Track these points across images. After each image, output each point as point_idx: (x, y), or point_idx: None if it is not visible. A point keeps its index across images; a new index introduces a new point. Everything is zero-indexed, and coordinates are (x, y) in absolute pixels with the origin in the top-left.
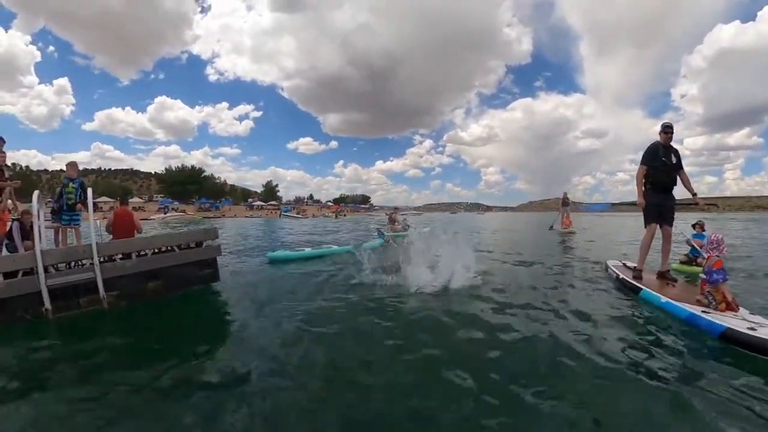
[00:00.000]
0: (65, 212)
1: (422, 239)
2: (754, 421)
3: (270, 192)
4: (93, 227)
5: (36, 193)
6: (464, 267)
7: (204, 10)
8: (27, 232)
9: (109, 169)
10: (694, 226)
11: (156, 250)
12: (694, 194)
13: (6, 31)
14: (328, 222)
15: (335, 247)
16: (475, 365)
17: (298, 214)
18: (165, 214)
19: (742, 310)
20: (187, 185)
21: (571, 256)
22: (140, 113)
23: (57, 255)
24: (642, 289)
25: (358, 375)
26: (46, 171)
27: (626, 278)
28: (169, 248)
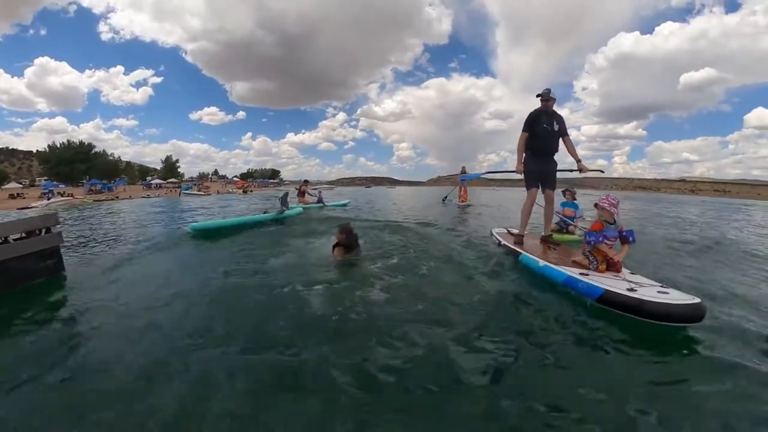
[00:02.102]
0: None
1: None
2: (627, 390)
3: (170, 168)
4: None
5: None
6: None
7: None
8: None
9: None
10: (564, 193)
11: None
12: (579, 160)
13: None
14: (234, 199)
15: (258, 215)
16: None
17: (200, 191)
18: (48, 200)
19: (624, 270)
20: (75, 164)
21: (462, 226)
22: (16, 77)
23: None
24: (521, 253)
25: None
26: None
27: (508, 244)
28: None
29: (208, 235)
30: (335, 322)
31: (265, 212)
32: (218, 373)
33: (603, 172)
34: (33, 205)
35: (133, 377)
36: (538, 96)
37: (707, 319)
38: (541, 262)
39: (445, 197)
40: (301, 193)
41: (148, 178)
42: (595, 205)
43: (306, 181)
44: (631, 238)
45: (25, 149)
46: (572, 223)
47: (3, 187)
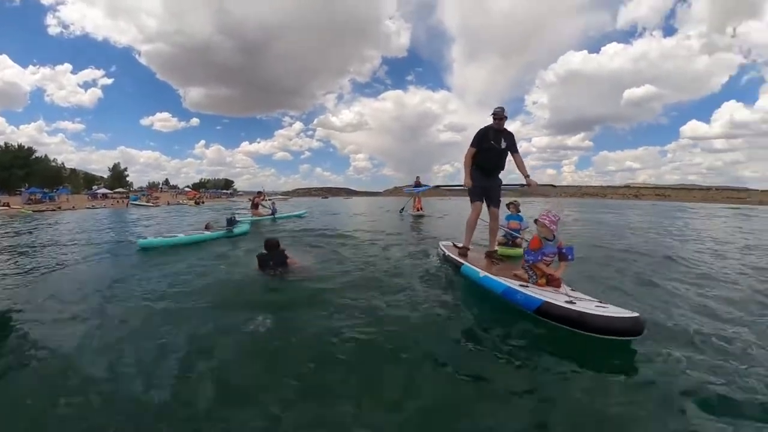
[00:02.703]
0: None
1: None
2: (558, 402)
3: (118, 177)
4: None
5: None
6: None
7: None
8: None
9: None
10: (508, 206)
11: None
12: (527, 176)
13: None
14: (186, 211)
15: (208, 233)
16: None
17: (148, 202)
18: None
19: (564, 286)
20: (12, 170)
21: (412, 237)
22: None
23: None
24: (463, 264)
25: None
26: None
27: (452, 255)
28: None
29: (156, 251)
30: (247, 343)
31: (206, 225)
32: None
33: (555, 186)
34: None
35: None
36: (492, 114)
37: (646, 333)
38: (482, 273)
39: (402, 208)
40: (255, 205)
41: (94, 187)
42: (536, 221)
43: (260, 192)
44: (570, 256)
45: None
46: (518, 235)
47: None
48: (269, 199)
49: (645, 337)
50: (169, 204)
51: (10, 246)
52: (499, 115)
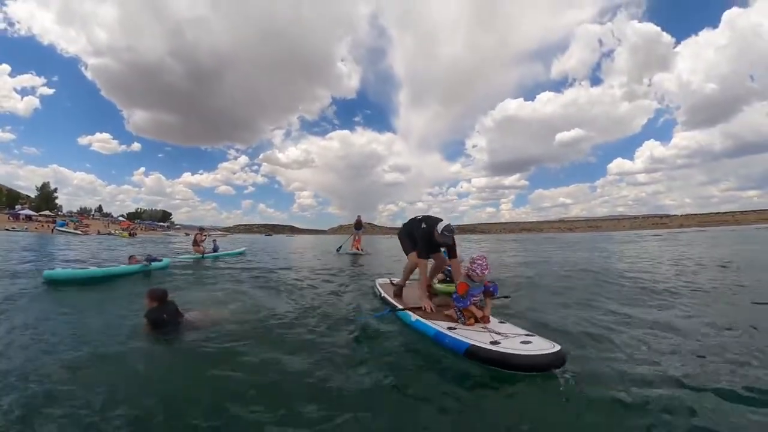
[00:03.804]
0: None
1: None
2: None
3: (46, 198)
4: None
5: None
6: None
7: None
8: None
9: None
10: None
11: None
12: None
13: None
14: (117, 243)
15: (122, 267)
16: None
17: (77, 229)
18: None
19: (493, 320)
20: None
21: (349, 275)
22: None
23: None
24: (397, 307)
25: None
26: None
27: (387, 296)
28: None
29: (66, 284)
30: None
31: (130, 257)
32: None
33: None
34: None
35: None
36: (443, 231)
37: (568, 363)
38: (413, 317)
39: (340, 247)
40: (196, 242)
41: (18, 206)
42: (471, 262)
43: (201, 229)
44: (495, 293)
45: None
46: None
47: None
48: (209, 235)
49: (569, 363)
50: (99, 233)
51: None
52: (450, 237)
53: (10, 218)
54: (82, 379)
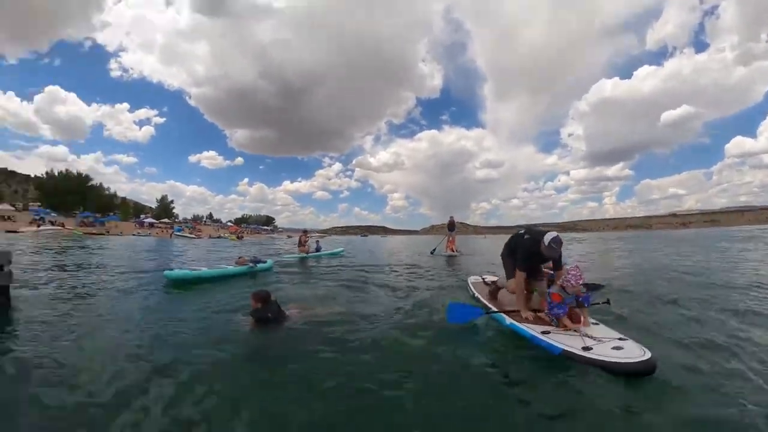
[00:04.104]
0: None
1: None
2: None
3: (165, 208)
4: None
5: None
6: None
7: None
8: None
9: None
10: None
11: None
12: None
13: None
14: (227, 245)
15: (231, 268)
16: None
17: (191, 234)
18: (38, 227)
19: (586, 323)
20: (70, 195)
21: (441, 276)
22: (25, 102)
23: None
24: (490, 308)
25: None
26: None
27: (480, 297)
28: None
29: (183, 283)
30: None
31: (238, 259)
32: None
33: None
34: (22, 230)
35: None
36: (551, 243)
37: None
38: (508, 320)
39: (434, 249)
40: (301, 243)
41: (142, 216)
42: (565, 272)
43: (305, 231)
44: (586, 304)
45: (24, 173)
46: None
47: None
48: (312, 236)
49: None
50: (210, 237)
51: (48, 262)
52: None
53: (137, 225)
54: (194, 366)
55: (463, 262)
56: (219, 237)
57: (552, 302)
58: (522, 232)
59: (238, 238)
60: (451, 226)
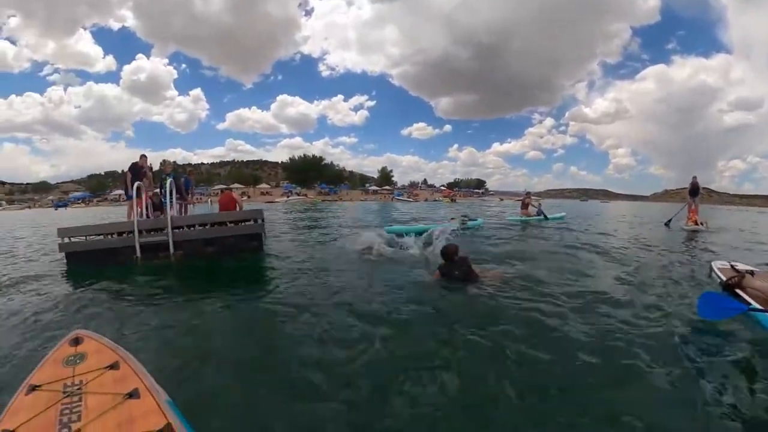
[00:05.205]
0: (164, 197)
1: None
2: None
3: (385, 177)
4: (168, 208)
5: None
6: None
7: (308, 13)
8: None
9: (242, 161)
10: None
11: (213, 224)
12: None
13: (148, 59)
14: (440, 206)
15: (444, 224)
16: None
17: (409, 198)
18: (288, 197)
19: None
20: (308, 172)
21: (680, 257)
22: (264, 111)
23: (147, 223)
24: (751, 304)
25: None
26: (189, 164)
27: (743, 291)
28: (222, 223)
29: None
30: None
31: (451, 218)
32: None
33: None
34: (277, 200)
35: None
36: None
37: None
38: None
39: (669, 220)
40: (524, 205)
41: (366, 184)
42: None
43: (528, 193)
44: None
45: (272, 161)
46: None
47: (257, 186)
48: (536, 199)
49: None
50: (426, 200)
51: (307, 221)
52: None
53: (363, 192)
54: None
55: (712, 241)
56: (434, 200)
57: None
58: None
59: (451, 200)
60: (694, 190)
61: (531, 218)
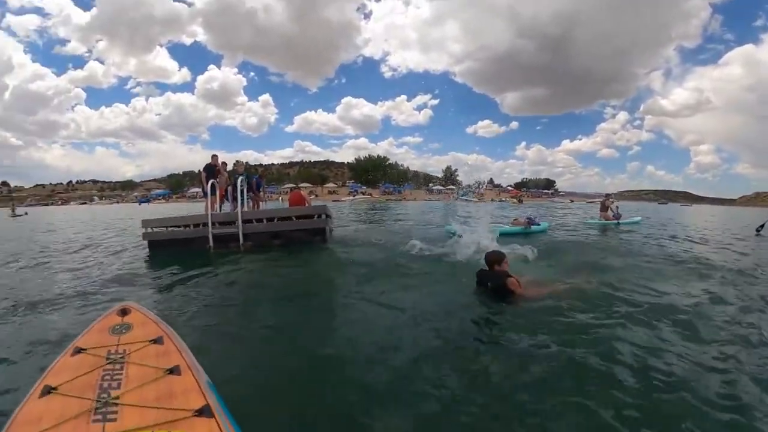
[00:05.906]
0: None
1: None
2: None
3: (449, 176)
4: (240, 204)
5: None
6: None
7: (366, 16)
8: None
9: (309, 161)
10: None
11: (280, 218)
12: None
13: (219, 69)
14: (508, 207)
15: (505, 227)
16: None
17: (475, 198)
18: (354, 197)
19: None
20: (373, 172)
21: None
22: (330, 114)
23: (220, 217)
24: None
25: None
26: (261, 165)
27: None
28: (288, 218)
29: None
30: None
31: (514, 220)
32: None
33: None
34: (343, 199)
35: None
36: None
37: None
38: None
39: (762, 226)
40: (604, 208)
41: (431, 184)
42: None
43: (608, 195)
44: None
45: (339, 161)
46: None
47: (324, 186)
48: (615, 203)
49: None
50: (492, 200)
51: (373, 219)
52: None
53: (427, 192)
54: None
55: None
56: (501, 200)
57: None
58: None
59: (518, 201)
60: None
61: (609, 222)
